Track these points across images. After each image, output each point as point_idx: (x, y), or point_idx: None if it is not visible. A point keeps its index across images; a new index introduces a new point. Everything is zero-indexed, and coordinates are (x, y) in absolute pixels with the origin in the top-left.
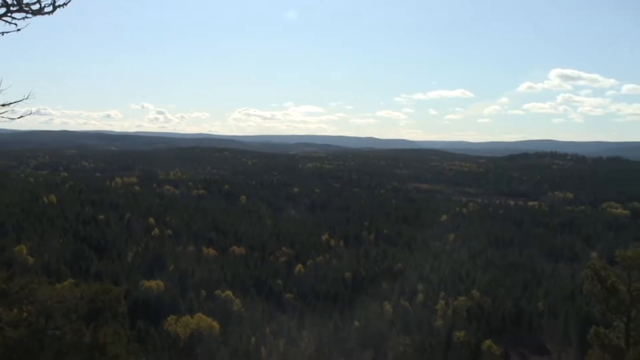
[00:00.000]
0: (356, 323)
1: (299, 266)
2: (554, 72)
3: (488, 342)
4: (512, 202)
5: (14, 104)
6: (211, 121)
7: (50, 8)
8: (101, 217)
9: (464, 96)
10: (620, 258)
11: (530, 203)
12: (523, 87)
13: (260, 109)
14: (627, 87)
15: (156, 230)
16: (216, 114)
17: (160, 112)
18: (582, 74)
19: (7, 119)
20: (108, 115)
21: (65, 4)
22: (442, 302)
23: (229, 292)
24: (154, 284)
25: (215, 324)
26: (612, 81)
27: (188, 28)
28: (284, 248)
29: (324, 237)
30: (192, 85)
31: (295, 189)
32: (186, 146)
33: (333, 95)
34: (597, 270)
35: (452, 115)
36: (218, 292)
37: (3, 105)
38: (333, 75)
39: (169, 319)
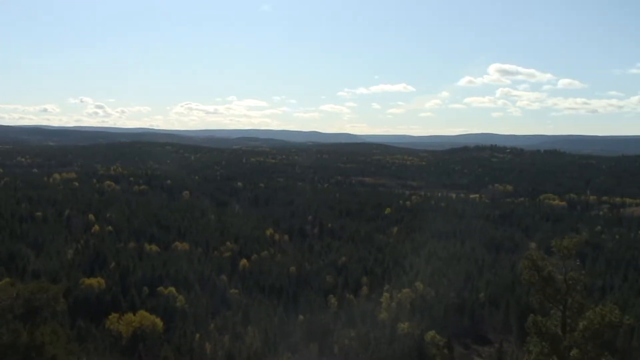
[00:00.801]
0: (301, 317)
1: (244, 261)
2: (492, 67)
3: (431, 333)
4: (454, 195)
5: None
6: (153, 115)
7: None
8: (38, 214)
9: (406, 90)
10: (556, 248)
11: (471, 195)
12: (463, 81)
13: (203, 103)
14: (562, 82)
15: (96, 227)
16: (158, 108)
17: (99, 107)
18: (520, 68)
19: None
20: (45, 110)
21: None
22: (386, 294)
23: (172, 289)
24: (95, 282)
25: (158, 321)
26: (548, 76)
27: (128, 20)
28: (228, 243)
29: (268, 231)
30: (132, 79)
31: (239, 184)
32: (127, 141)
33: (276, 90)
34: (534, 260)
35: (394, 109)
36: (161, 288)
37: None
38: (276, 69)
39: (110, 317)
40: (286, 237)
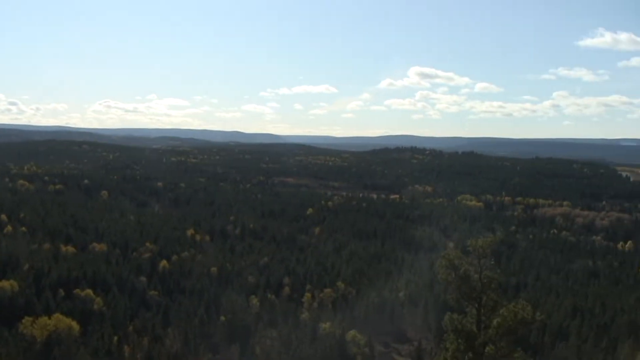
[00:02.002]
0: (222, 318)
1: (164, 262)
2: (412, 70)
3: (352, 332)
4: (375, 196)
5: None
6: (69, 113)
7: None
8: None
9: (328, 92)
10: (472, 247)
11: (392, 196)
12: (384, 83)
13: (122, 101)
14: (479, 86)
15: (9, 227)
16: (75, 106)
17: (12, 103)
18: (439, 72)
19: None
20: None
21: None
22: (308, 294)
23: (89, 291)
24: (7, 285)
25: (74, 324)
26: (466, 80)
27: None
28: (147, 244)
29: (189, 232)
30: (48, 75)
31: (159, 184)
32: (42, 139)
33: (198, 89)
34: (451, 259)
35: (317, 110)
36: (77, 291)
37: None
38: (198, 68)
39: (24, 320)
40: (207, 237)
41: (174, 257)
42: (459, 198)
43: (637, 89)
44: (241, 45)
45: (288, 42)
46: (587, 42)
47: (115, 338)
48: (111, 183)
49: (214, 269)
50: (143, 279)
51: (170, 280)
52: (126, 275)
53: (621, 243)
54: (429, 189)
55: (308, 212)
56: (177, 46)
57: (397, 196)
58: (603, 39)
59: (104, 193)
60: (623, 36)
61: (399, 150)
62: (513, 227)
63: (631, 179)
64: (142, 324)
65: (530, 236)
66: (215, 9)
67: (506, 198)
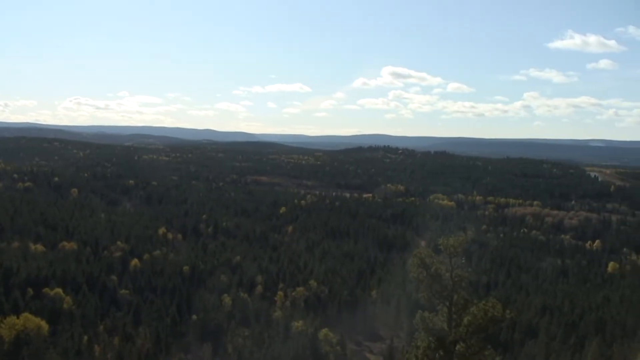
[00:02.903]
0: (194, 317)
1: (135, 261)
2: (386, 70)
3: (325, 330)
4: (347, 194)
5: None
6: (39, 110)
7: None
8: None
9: (302, 90)
10: (443, 246)
11: (365, 195)
12: (357, 83)
13: (93, 98)
14: (452, 86)
15: None
16: (44, 103)
17: None
18: (411, 72)
19: None
20: None
21: None
22: (280, 293)
23: (58, 290)
24: None
25: (43, 323)
26: (438, 80)
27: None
28: (118, 242)
29: (161, 230)
30: (17, 71)
31: (131, 182)
32: (11, 136)
33: (170, 86)
34: (423, 258)
35: (290, 109)
36: (47, 290)
37: None
38: (170, 65)
39: None
40: (179, 236)
41: (146, 256)
42: (431, 197)
43: (605, 91)
44: (214, 43)
45: (261, 40)
46: (557, 44)
47: (86, 338)
48: (82, 181)
49: (186, 268)
50: (114, 277)
51: (142, 279)
52: (97, 274)
53: (589, 242)
54: (401, 188)
55: (281, 211)
56: (149, 43)
57: (370, 195)
58: (572, 41)
59: (74, 191)
60: (592, 39)
61: (372, 149)
62: (484, 226)
63: (599, 179)
64: (112, 323)
65: (501, 235)
66: (189, 6)
67: (477, 197)
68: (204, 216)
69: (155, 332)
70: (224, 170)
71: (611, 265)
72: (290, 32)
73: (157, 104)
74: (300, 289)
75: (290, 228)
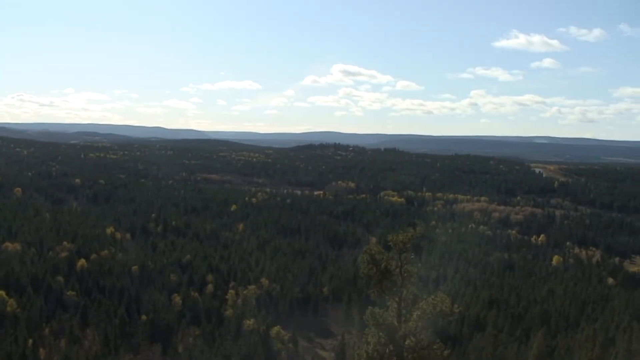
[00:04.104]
0: (144, 317)
1: (82, 261)
2: (336, 67)
3: (276, 328)
4: (299, 192)
5: None
6: None
7: None
8: None
9: (252, 87)
10: (392, 242)
11: (315, 192)
12: (308, 80)
13: (37, 95)
14: (401, 84)
15: None
16: None
17: None
18: (361, 70)
19: None
20: None
21: None
22: (231, 291)
23: (1, 292)
24: None
25: None
26: (388, 77)
27: None
28: (64, 243)
29: (109, 230)
30: None
31: (77, 180)
32: None
33: (117, 83)
34: (373, 254)
35: (240, 106)
36: None
37: None
38: (117, 61)
39: None
40: (128, 235)
41: (93, 256)
42: (381, 194)
43: (549, 89)
44: (162, 39)
45: (210, 36)
46: (503, 43)
47: (30, 341)
48: (25, 180)
49: (135, 268)
50: (60, 279)
51: (89, 279)
52: (42, 276)
53: (534, 236)
54: (352, 185)
55: (232, 209)
56: (96, 38)
57: (321, 192)
58: (517, 40)
59: (18, 190)
60: (536, 38)
61: (323, 146)
62: (433, 222)
63: (543, 175)
64: (59, 326)
65: (450, 230)
66: (135, 2)
67: (427, 193)
68: (153, 215)
69: (103, 333)
70: (173, 168)
71: (555, 259)
72: (240, 29)
73: (104, 101)
74: (251, 287)
75: (241, 226)
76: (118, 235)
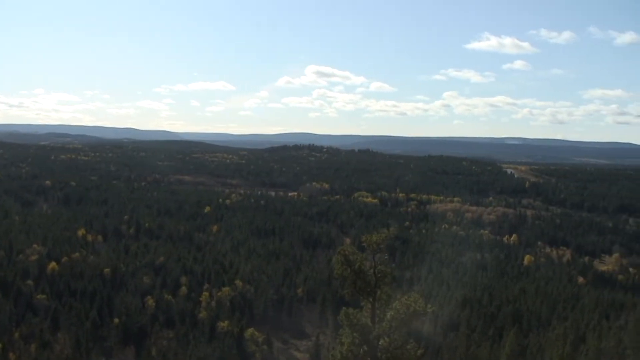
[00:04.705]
0: (116, 320)
1: (53, 264)
2: (310, 69)
3: (251, 330)
4: (273, 193)
5: None
6: None
7: None
8: None
9: (225, 88)
10: (366, 243)
11: (290, 193)
12: (282, 81)
13: (5, 95)
14: (374, 85)
15: None
16: None
17: None
18: (335, 71)
19: None
20: None
21: None
22: (205, 293)
23: None
24: None
25: None
26: (361, 79)
27: None
28: (35, 245)
29: (80, 232)
30: None
31: (47, 182)
32: None
33: (89, 84)
34: (346, 255)
35: (214, 107)
36: None
37: None
38: (89, 62)
39: None
40: (100, 237)
41: (64, 259)
42: (355, 195)
43: (520, 91)
44: (134, 40)
45: (183, 37)
46: (474, 45)
47: (0, 346)
48: None
49: (107, 270)
50: (30, 282)
51: (60, 282)
52: (11, 279)
53: (506, 236)
54: (326, 186)
55: (205, 210)
56: (67, 38)
57: (295, 193)
58: (489, 42)
59: None
60: (507, 40)
61: (297, 147)
62: (407, 223)
63: (515, 176)
64: (29, 330)
65: (423, 231)
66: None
67: (400, 194)
68: (126, 217)
69: (74, 337)
70: (146, 170)
71: (527, 258)
72: (213, 30)
73: (75, 102)
74: (225, 288)
75: (215, 227)
76: (90, 237)
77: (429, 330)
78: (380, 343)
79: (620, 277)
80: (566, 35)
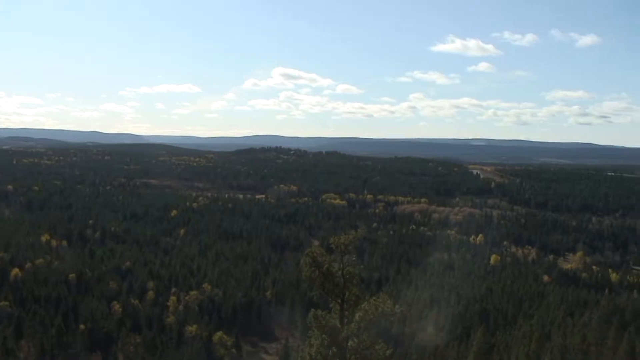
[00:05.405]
0: (82, 326)
1: (15, 270)
2: (276, 71)
3: (219, 334)
4: (240, 196)
5: None
6: None
7: None
8: None
9: (191, 91)
10: (334, 244)
11: (257, 196)
12: (248, 83)
13: None
14: (341, 87)
15: None
16: None
17: None
18: (302, 73)
19: None
20: None
21: None
22: (173, 297)
23: None
24: None
25: None
26: (328, 81)
27: None
28: None
29: (44, 237)
30: None
31: (9, 187)
32: None
33: (51, 87)
34: (314, 257)
35: (180, 110)
36: None
37: None
38: (51, 64)
39: None
40: (64, 242)
41: (28, 265)
42: (323, 197)
43: (485, 92)
44: (98, 42)
45: (147, 39)
46: (440, 47)
47: None
48: None
49: (72, 276)
50: None
51: (24, 289)
52: None
53: (473, 236)
54: (294, 188)
55: (172, 214)
56: (29, 40)
57: (263, 196)
58: (454, 44)
59: None
60: (471, 43)
61: (264, 150)
62: (375, 224)
63: (481, 177)
64: None
65: (391, 232)
66: (70, 3)
67: (368, 196)
68: (91, 221)
69: (39, 344)
70: (111, 174)
71: (493, 258)
72: (178, 31)
73: (37, 105)
74: (193, 292)
75: (182, 231)
76: (54, 242)
77: (397, 331)
78: (349, 344)
79: (584, 275)
80: (529, 37)
